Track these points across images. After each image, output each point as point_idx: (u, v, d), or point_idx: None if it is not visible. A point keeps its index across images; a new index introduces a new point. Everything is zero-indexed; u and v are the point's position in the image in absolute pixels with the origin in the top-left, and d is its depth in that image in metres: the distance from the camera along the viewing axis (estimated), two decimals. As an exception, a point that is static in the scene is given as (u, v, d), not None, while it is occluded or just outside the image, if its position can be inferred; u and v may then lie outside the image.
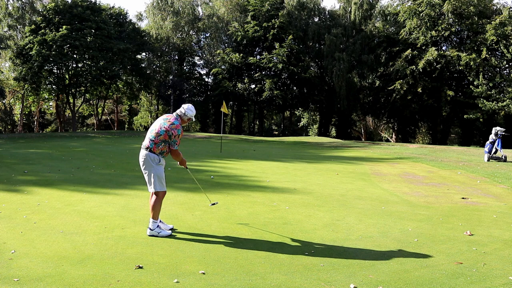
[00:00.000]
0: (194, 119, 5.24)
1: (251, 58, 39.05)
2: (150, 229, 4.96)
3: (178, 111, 5.10)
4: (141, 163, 5.14)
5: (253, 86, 40.20)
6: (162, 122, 4.99)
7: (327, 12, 43.63)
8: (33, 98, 41.51)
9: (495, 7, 34.74)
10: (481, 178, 10.70)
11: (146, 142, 5.06)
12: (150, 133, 5.03)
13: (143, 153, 5.09)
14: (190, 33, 46.46)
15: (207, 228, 5.37)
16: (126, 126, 55.99)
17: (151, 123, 50.34)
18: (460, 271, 4.02)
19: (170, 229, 5.19)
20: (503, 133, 14.99)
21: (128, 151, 16.04)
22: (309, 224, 5.70)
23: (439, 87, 33.98)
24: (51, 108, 53.46)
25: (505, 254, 4.63)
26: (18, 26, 39.85)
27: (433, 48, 33.01)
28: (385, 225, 5.79)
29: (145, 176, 5.09)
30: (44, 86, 38.78)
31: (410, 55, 33.72)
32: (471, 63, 31.45)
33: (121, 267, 3.89)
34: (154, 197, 5.03)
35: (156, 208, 4.98)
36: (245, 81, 40.03)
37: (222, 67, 40.75)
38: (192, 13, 44.69)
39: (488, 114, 32.02)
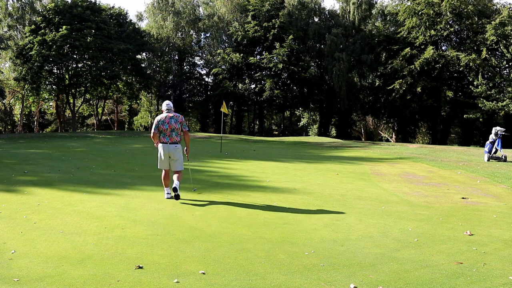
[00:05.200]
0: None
1: (252, 58, 39.04)
2: (172, 190, 6.93)
3: (172, 109, 7.06)
4: (172, 154, 6.91)
5: (253, 86, 40.20)
6: (173, 119, 6.90)
7: (327, 12, 43.63)
8: (33, 98, 41.48)
9: (495, 7, 34.74)
10: (481, 178, 10.70)
11: (174, 139, 6.90)
12: (173, 130, 6.87)
13: (173, 146, 6.91)
14: (191, 33, 46.46)
15: (207, 228, 5.37)
16: (126, 126, 55.99)
17: (151, 123, 50.61)
18: (460, 271, 4.02)
19: (168, 193, 7.07)
20: (503, 133, 14.98)
21: (128, 151, 16.03)
22: (309, 224, 5.70)
23: (439, 87, 33.98)
24: (51, 108, 53.46)
25: (505, 254, 4.63)
26: (18, 26, 39.84)
27: (431, 47, 33.01)
28: (385, 225, 5.79)
29: (176, 161, 6.97)
30: (44, 86, 38.75)
31: (409, 54, 33.72)
32: (471, 63, 31.45)
33: (121, 267, 3.89)
34: (179, 174, 7.01)
35: (180, 179, 7.01)
36: (246, 81, 40.03)
37: (222, 67, 40.74)
38: (192, 13, 44.69)
39: (488, 114, 32.02)
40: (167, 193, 7.09)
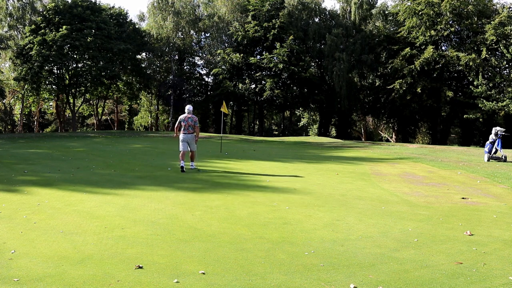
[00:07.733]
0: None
1: (252, 58, 39.02)
2: (193, 165, 10.78)
3: (191, 112, 10.62)
4: (188, 140, 10.53)
5: (253, 86, 40.19)
6: (190, 119, 10.50)
7: (327, 12, 43.64)
8: (33, 98, 41.49)
9: (494, 7, 34.74)
10: (481, 178, 10.70)
11: (189, 131, 10.52)
12: (189, 125, 10.50)
13: (188, 135, 10.51)
14: (191, 33, 46.44)
15: (207, 228, 5.38)
16: (126, 126, 55.99)
17: (151, 123, 50.78)
18: (460, 271, 4.02)
19: (182, 165, 10.34)
20: (503, 133, 14.97)
21: (128, 151, 16.03)
22: (309, 224, 5.70)
23: (439, 87, 33.99)
24: (51, 108, 53.46)
25: (505, 254, 4.63)
26: (18, 26, 39.82)
27: (431, 47, 33.00)
28: (385, 225, 5.79)
29: (192, 144, 10.59)
30: (44, 86, 38.73)
31: (409, 54, 33.72)
32: (471, 63, 31.45)
33: (121, 267, 3.89)
34: (193, 153, 10.74)
35: (196, 156, 10.95)
36: (246, 81, 40.02)
37: (223, 67, 40.71)
38: (192, 13, 44.66)
39: (488, 114, 32.02)
40: (182, 164, 10.39)
